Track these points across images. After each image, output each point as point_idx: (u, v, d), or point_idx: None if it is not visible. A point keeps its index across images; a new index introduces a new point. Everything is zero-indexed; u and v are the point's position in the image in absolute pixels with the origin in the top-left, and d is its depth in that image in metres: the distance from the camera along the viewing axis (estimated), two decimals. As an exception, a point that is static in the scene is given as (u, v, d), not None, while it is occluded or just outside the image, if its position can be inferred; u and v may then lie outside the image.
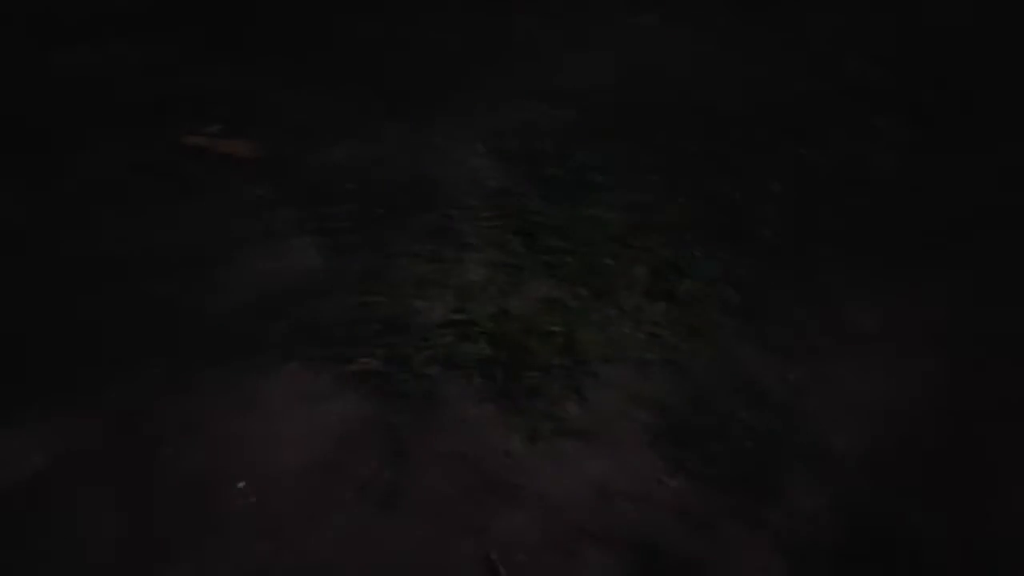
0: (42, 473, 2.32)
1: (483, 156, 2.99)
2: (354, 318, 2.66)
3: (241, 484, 2.40)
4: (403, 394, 2.57)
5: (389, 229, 2.87)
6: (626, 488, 2.41)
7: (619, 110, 3.17)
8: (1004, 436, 2.27)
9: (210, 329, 2.55)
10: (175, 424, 2.46)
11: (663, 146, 3.00)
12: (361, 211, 2.85)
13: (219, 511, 2.34)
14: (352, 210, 2.86)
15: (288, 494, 2.40)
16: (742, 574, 2.26)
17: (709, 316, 2.77)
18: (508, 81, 3.31)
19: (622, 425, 2.53)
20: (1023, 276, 2.67)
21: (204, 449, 2.41)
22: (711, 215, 2.81)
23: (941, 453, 2.25)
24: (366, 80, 3.23)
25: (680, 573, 2.25)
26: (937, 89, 2.78)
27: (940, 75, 2.86)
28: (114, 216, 2.81)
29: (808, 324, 2.58)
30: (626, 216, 2.88)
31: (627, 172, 2.98)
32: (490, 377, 2.62)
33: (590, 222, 2.89)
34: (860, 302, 2.58)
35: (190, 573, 2.21)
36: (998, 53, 3.08)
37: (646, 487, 2.41)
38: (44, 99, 3.03)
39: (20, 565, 2.14)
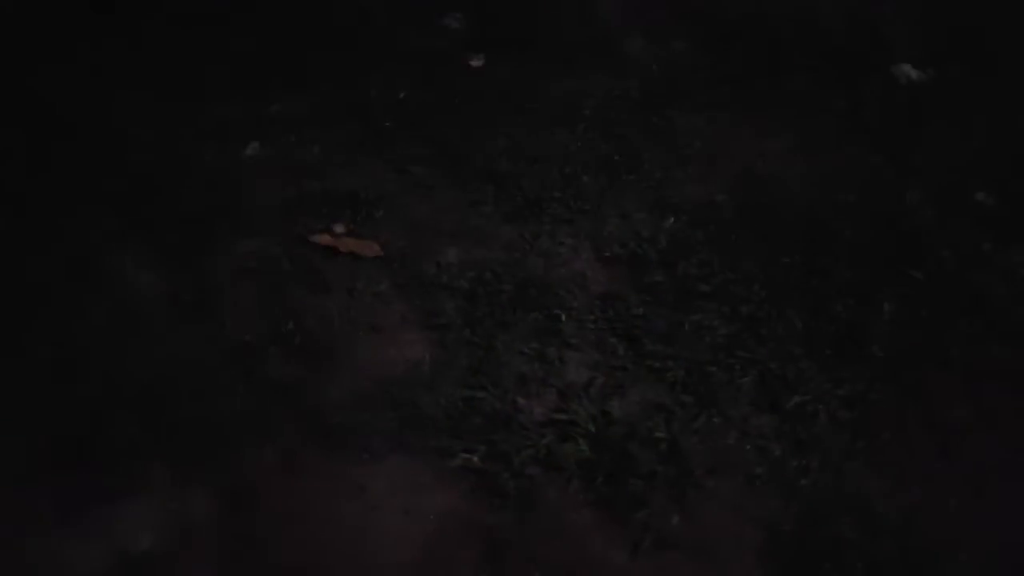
0: (148, 552, 2.45)
1: (588, 261, 3.12)
2: (458, 412, 2.76)
3: None
4: (502, 494, 2.61)
5: (495, 326, 2.99)
6: (736, 611, 2.37)
7: (725, 222, 3.27)
8: None
9: (321, 415, 2.69)
10: (281, 508, 2.57)
11: (769, 259, 3.07)
12: (469, 309, 2.99)
13: None
14: (461, 307, 3.00)
15: None
16: None
17: (817, 431, 2.75)
18: (615, 192, 3.47)
19: (728, 542, 2.51)
20: None
21: (305, 536, 2.50)
22: (818, 329, 2.84)
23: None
24: (487, 184, 3.45)
25: None
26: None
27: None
28: (246, 304, 3.03)
29: (921, 446, 2.54)
30: (730, 325, 2.93)
31: (731, 282, 3.05)
32: (591, 481, 2.65)
33: (694, 329, 2.95)
34: (978, 431, 2.53)
35: None
36: None
37: (759, 613, 2.36)
38: (193, 190, 3.34)
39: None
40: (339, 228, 3.30)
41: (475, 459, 2.67)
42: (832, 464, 2.56)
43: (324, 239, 3.22)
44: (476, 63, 4.10)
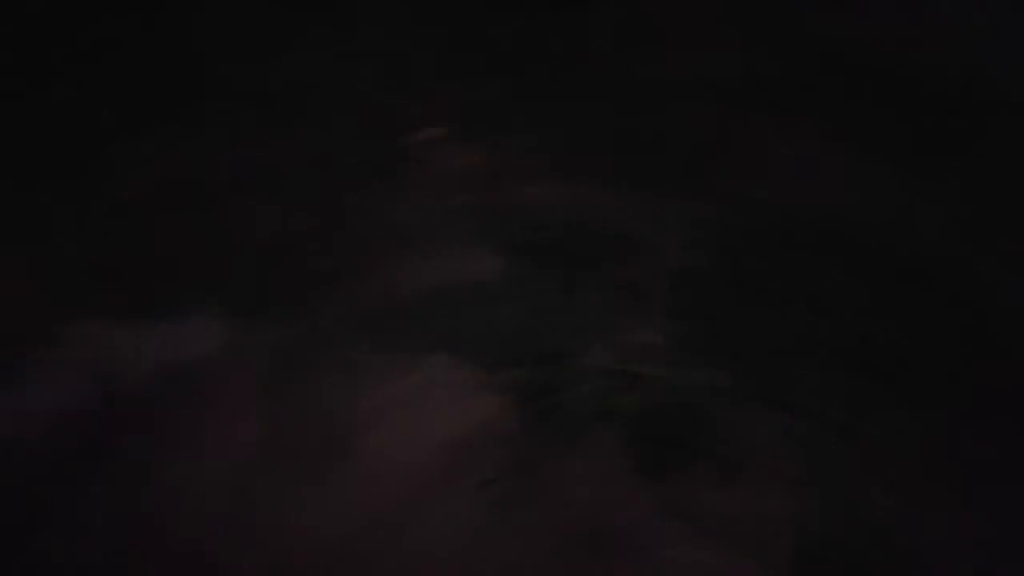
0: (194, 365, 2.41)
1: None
2: (516, 333, 2.70)
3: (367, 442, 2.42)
4: (544, 420, 2.59)
5: (573, 267, 2.94)
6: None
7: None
8: None
9: (383, 306, 2.63)
10: (325, 373, 2.52)
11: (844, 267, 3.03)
12: (550, 245, 2.92)
13: (338, 461, 2.35)
14: (540, 241, 2.93)
15: (407, 468, 2.41)
16: None
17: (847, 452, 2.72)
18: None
19: (759, 531, 2.49)
20: None
21: (343, 405, 2.46)
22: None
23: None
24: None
25: None
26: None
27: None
28: None
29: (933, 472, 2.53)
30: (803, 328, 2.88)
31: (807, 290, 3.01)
32: (635, 438, 2.63)
33: (772, 323, 2.91)
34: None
35: (309, 498, 2.21)
36: None
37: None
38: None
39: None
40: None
41: (524, 378, 2.63)
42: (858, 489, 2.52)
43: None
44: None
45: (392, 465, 2.59)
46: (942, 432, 2.50)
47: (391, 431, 2.63)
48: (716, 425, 2.64)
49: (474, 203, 3.00)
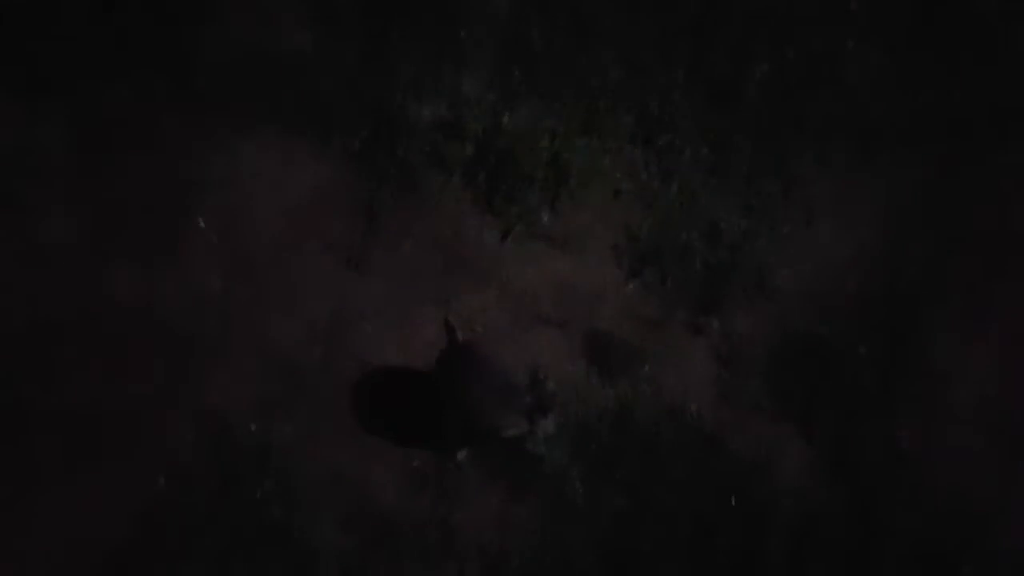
0: None
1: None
2: (342, 99, 2.70)
3: (201, 223, 2.43)
4: (382, 176, 2.64)
5: (390, 27, 2.91)
6: (585, 288, 2.60)
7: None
8: (928, 290, 2.55)
9: (189, 70, 2.53)
10: (136, 148, 2.43)
11: (663, 20, 3.18)
12: (364, 5, 2.86)
13: (175, 238, 2.36)
14: (355, 3, 2.86)
15: (251, 238, 2.45)
16: (678, 369, 2.48)
17: (681, 164, 2.99)
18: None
19: (589, 238, 2.72)
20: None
21: (165, 179, 2.41)
22: (698, 82, 3.02)
23: (867, 293, 2.54)
24: None
25: (624, 360, 2.45)
26: None
27: None
28: None
29: (765, 186, 2.83)
30: (621, 68, 3.04)
31: (627, 31, 3.15)
32: (472, 177, 2.74)
33: (589, 67, 3.04)
34: (818, 181, 2.84)
35: (138, 282, 2.23)
36: None
37: (603, 289, 2.61)
38: None
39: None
40: None
41: (356, 142, 2.64)
42: (689, 190, 2.80)
43: None
44: None
45: (233, 237, 2.55)
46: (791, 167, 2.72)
47: (225, 206, 2.58)
48: (551, 158, 2.75)
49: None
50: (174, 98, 2.73)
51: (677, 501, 2.38)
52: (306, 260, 2.66)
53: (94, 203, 2.60)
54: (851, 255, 2.67)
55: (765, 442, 2.52)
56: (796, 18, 3.18)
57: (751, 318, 2.69)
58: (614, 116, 2.99)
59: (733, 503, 2.29)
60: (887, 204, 2.91)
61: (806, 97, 3.07)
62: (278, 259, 2.65)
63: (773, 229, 2.72)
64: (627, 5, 3.21)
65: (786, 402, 2.58)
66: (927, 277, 2.77)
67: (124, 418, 2.41)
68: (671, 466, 2.40)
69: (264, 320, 2.56)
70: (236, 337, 2.54)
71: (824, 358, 2.63)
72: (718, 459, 2.45)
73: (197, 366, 2.49)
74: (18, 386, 2.33)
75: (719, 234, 2.68)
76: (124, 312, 2.47)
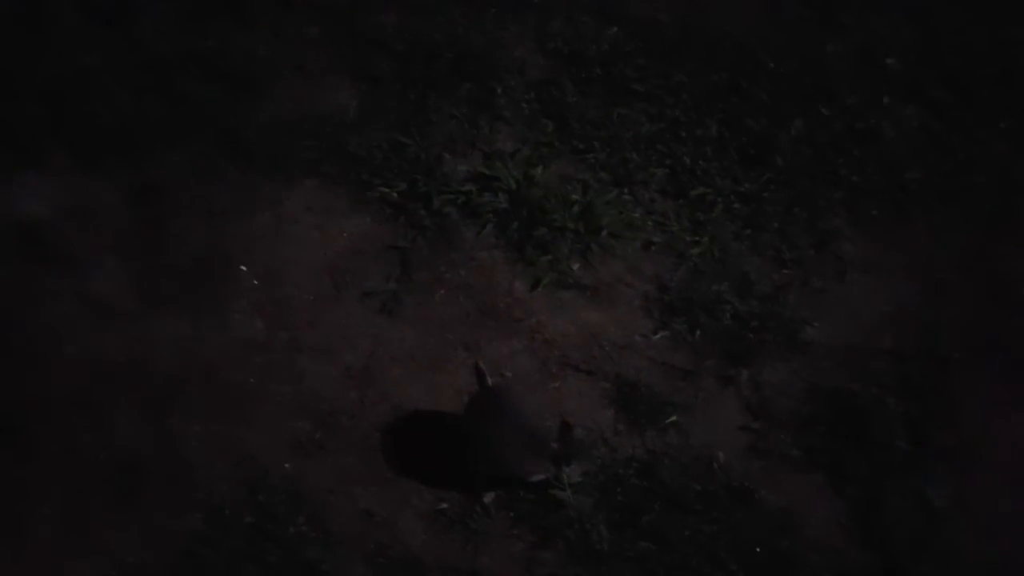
0: (44, 220, 2.44)
1: (529, 49, 3.17)
2: (381, 154, 2.84)
3: (243, 268, 2.57)
4: (417, 226, 2.76)
5: (428, 87, 3.06)
6: (615, 336, 2.66)
7: (664, 38, 3.39)
8: (964, 350, 2.53)
9: (238, 133, 2.70)
10: (188, 206, 2.61)
11: (698, 73, 3.29)
12: (403, 67, 3.02)
13: (221, 288, 2.50)
14: (395, 64, 3.02)
15: (292, 286, 2.58)
16: (707, 419, 2.50)
17: (713, 217, 3.04)
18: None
19: (620, 288, 2.78)
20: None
21: (214, 235, 2.57)
22: (731, 137, 3.09)
23: (901, 350, 2.52)
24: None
25: (652, 410, 2.47)
26: None
27: None
28: (166, 19, 2.91)
29: (799, 240, 2.86)
30: (654, 124, 3.13)
31: (661, 87, 3.25)
32: (504, 228, 2.84)
33: (621, 121, 3.14)
34: (849, 236, 2.86)
35: (183, 330, 2.37)
36: None
37: (632, 339, 2.65)
38: None
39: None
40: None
41: (394, 194, 2.77)
42: (720, 242, 2.84)
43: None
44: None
45: (274, 289, 2.68)
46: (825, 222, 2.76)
47: (267, 258, 2.71)
48: (583, 210, 2.84)
49: (328, 33, 3.02)
50: (225, 160, 2.91)
51: (703, 551, 2.36)
52: (343, 307, 2.77)
53: (144, 257, 2.77)
54: (885, 311, 2.67)
55: (794, 495, 2.49)
56: (831, 74, 3.23)
57: (782, 371, 2.68)
58: (646, 169, 3.06)
59: (758, 552, 2.26)
60: (923, 261, 2.90)
61: (840, 153, 3.11)
62: (317, 307, 2.77)
63: (805, 283, 2.74)
64: (660, 60, 3.30)
65: (816, 455, 2.55)
66: (964, 336, 2.74)
67: (166, 457, 2.51)
68: (698, 515, 2.39)
69: (302, 365, 2.66)
70: (274, 381, 2.64)
71: (856, 412, 2.60)
72: (745, 510, 2.43)
73: (237, 408, 2.59)
74: (69, 429, 2.46)
75: (750, 287, 2.71)
76: (170, 357, 2.60)
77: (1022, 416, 2.60)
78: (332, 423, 2.57)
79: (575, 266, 2.85)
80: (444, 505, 2.47)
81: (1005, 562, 2.38)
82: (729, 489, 2.48)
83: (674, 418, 2.58)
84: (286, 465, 2.50)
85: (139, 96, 3.03)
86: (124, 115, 3.00)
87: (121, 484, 2.45)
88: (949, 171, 3.01)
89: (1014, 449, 2.56)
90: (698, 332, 2.71)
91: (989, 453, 2.53)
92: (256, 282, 2.77)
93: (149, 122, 3.00)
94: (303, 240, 2.90)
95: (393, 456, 2.54)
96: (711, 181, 2.89)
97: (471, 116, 3.12)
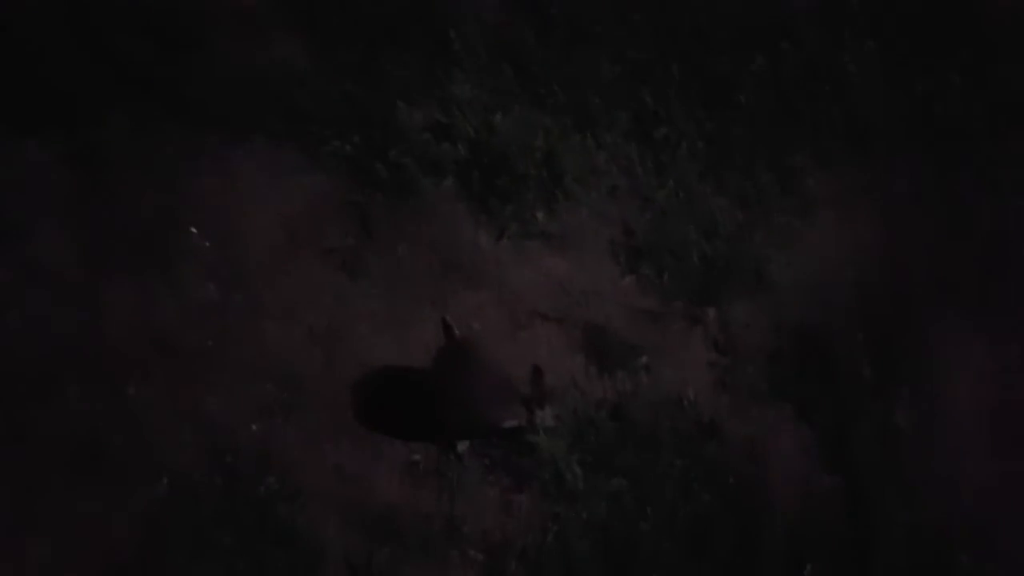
0: None
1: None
2: (332, 105, 2.72)
3: (193, 230, 2.47)
4: (375, 180, 2.67)
5: (380, 32, 2.93)
6: (582, 283, 2.62)
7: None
8: (926, 284, 2.54)
9: (179, 90, 2.57)
10: (133, 172, 2.47)
11: (659, 18, 3.19)
12: (351, 10, 2.89)
13: (171, 251, 2.39)
14: (342, 8, 2.89)
15: (246, 247, 2.47)
16: (676, 359, 2.48)
17: (677, 158, 2.99)
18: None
19: (586, 235, 2.73)
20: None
21: (162, 199, 2.45)
22: (693, 78, 3.03)
23: (864, 285, 2.53)
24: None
25: (621, 353, 2.45)
26: None
27: None
28: None
29: (763, 180, 2.83)
30: (615, 66, 3.06)
31: (622, 31, 3.17)
32: (466, 178, 2.76)
33: (582, 65, 3.06)
34: (813, 173, 2.84)
35: (135, 296, 2.27)
36: None
37: (600, 285, 2.61)
38: None
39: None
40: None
41: (347, 147, 2.66)
42: (685, 184, 2.80)
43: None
44: None
45: (228, 251, 2.58)
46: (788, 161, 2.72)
47: (218, 220, 2.60)
48: (545, 157, 2.77)
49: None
50: (168, 118, 2.77)
51: (675, 486, 2.38)
52: (302, 266, 2.68)
53: (91, 224, 2.64)
54: (849, 247, 2.67)
55: (763, 428, 2.51)
56: (791, 10, 3.18)
57: (748, 309, 2.69)
58: (609, 113, 3.00)
59: (730, 482, 2.28)
60: (885, 197, 2.90)
61: (802, 90, 3.08)
62: (274, 267, 2.68)
63: (770, 222, 2.73)
64: (619, 1, 3.23)
65: (783, 388, 2.57)
66: (926, 269, 2.76)
67: (125, 427, 2.43)
68: (669, 451, 2.40)
69: (262, 327, 2.58)
70: (234, 344, 2.56)
71: (821, 345, 2.62)
72: (715, 444, 2.45)
73: (196, 373, 2.51)
74: (19, 402, 2.36)
75: (716, 227, 2.69)
76: (122, 325, 2.50)
77: (982, 343, 2.65)
78: (298, 384, 2.51)
79: (540, 215, 2.79)
80: (417, 457, 2.44)
81: (966, 481, 2.44)
82: (699, 424, 2.49)
83: (643, 360, 2.57)
84: (253, 427, 2.44)
85: (72, 56, 2.86)
86: (58, 77, 2.84)
87: (80, 457, 2.36)
88: (909, 106, 3.00)
89: (975, 374, 2.60)
90: (665, 275, 2.69)
91: (951, 378, 2.58)
92: (208, 244, 2.66)
93: (85, 83, 2.85)
94: (255, 199, 2.79)
95: (363, 413, 2.50)
96: (674, 122, 2.84)
97: (425, 63, 3.01)
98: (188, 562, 2.22)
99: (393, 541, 2.30)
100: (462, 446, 2.42)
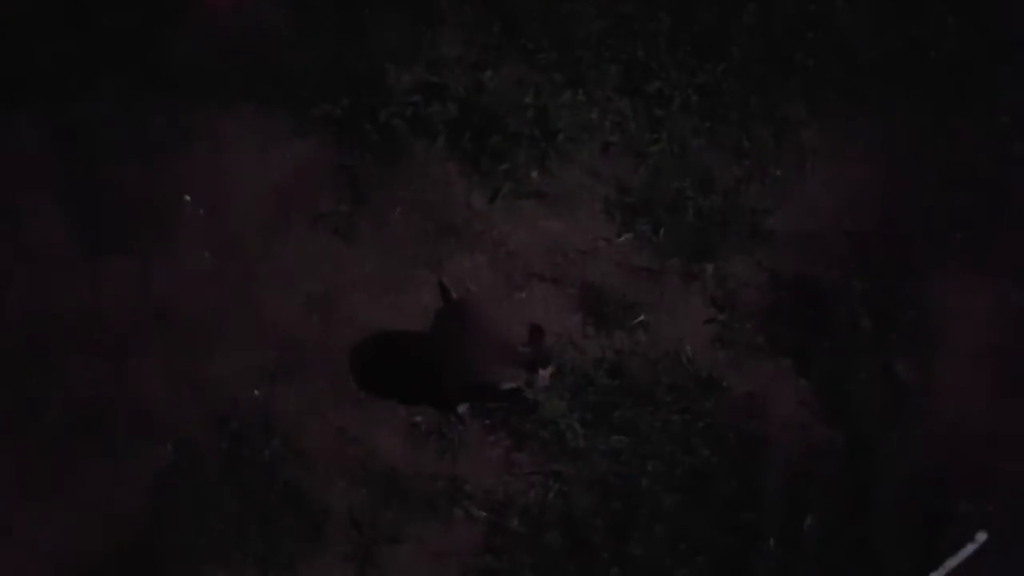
0: None
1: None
2: (319, 69, 2.67)
3: (187, 198, 2.44)
4: (365, 143, 2.62)
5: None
6: (578, 242, 2.60)
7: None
8: (924, 231, 2.52)
9: (163, 60, 2.51)
10: (122, 144, 2.43)
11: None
12: None
13: (165, 221, 2.37)
14: None
15: (239, 216, 2.45)
16: (673, 315, 2.48)
17: (671, 112, 2.95)
18: None
19: (580, 193, 2.70)
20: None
21: (152, 171, 2.41)
22: (684, 29, 2.97)
23: (862, 233, 2.51)
24: None
25: (619, 311, 2.44)
26: None
27: None
28: None
29: (758, 131, 2.80)
30: (604, 19, 3.00)
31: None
32: (457, 138, 2.72)
33: (570, 18, 3.00)
34: (809, 125, 2.80)
35: (131, 267, 2.25)
36: None
37: (596, 243, 2.59)
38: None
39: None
40: None
41: (337, 110, 2.62)
42: (679, 138, 2.76)
43: None
44: None
45: (221, 220, 2.56)
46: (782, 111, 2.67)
47: (210, 190, 2.58)
48: (537, 114, 2.72)
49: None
50: (155, 89, 2.73)
51: (675, 441, 2.41)
52: (296, 234, 2.67)
53: (82, 199, 2.62)
54: (845, 196, 2.67)
55: (761, 380, 2.53)
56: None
57: (745, 262, 2.68)
58: (599, 67, 2.96)
59: (729, 436, 2.31)
60: (881, 144, 2.88)
61: (795, 38, 3.03)
62: (269, 234, 2.67)
63: (766, 174, 2.71)
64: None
65: (782, 341, 2.59)
66: (924, 215, 2.75)
67: (128, 397, 2.45)
68: (668, 407, 2.42)
69: (258, 294, 2.58)
70: (231, 312, 2.56)
71: (819, 296, 2.63)
72: (714, 399, 2.47)
73: (195, 342, 2.51)
74: (19, 379, 2.37)
75: (711, 182, 2.68)
76: (120, 296, 2.50)
77: (981, 287, 2.65)
78: (298, 349, 2.52)
79: (533, 174, 2.77)
80: (419, 418, 2.47)
81: (965, 428, 2.46)
82: (698, 380, 2.51)
83: (641, 317, 2.58)
84: (255, 392, 2.45)
85: (58, 29, 2.80)
86: (43, 50, 2.78)
87: (83, 428, 2.38)
88: (902, 50, 2.95)
89: (973, 320, 2.61)
90: (661, 231, 2.68)
91: (951, 326, 2.59)
92: (201, 212, 2.65)
93: (71, 56, 2.79)
94: (246, 167, 2.76)
95: (363, 377, 2.51)
96: (667, 75, 2.81)
97: (412, 22, 2.95)
98: (196, 525, 2.25)
99: (397, 501, 2.33)
100: (463, 407, 2.44)
